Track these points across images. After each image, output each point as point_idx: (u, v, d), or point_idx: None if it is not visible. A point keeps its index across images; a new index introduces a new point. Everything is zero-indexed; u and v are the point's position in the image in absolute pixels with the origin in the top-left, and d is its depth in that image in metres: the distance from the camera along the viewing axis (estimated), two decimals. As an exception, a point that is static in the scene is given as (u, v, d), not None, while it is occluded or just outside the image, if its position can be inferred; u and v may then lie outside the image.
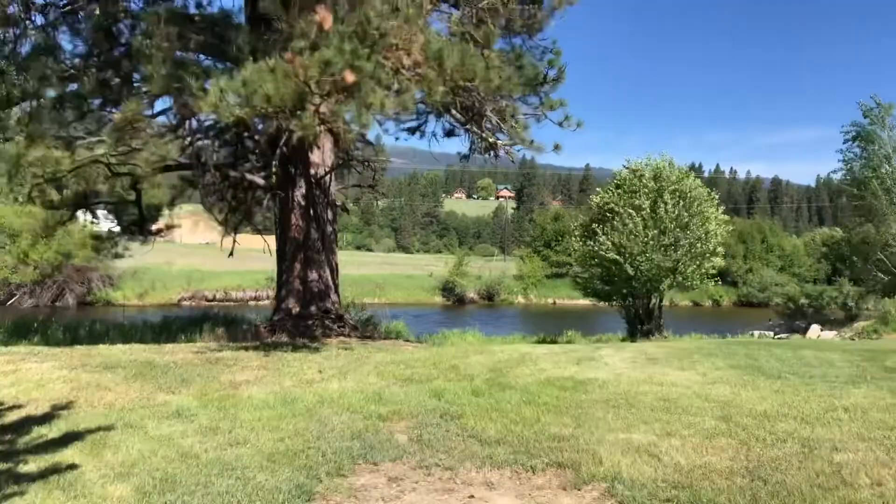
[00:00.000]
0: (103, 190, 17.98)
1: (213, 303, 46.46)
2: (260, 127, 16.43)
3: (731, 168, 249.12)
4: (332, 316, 15.45)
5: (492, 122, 16.66)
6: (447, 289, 60.57)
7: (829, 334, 31.32)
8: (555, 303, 65.23)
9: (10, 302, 40.57)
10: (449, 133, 19.08)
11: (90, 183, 17.09)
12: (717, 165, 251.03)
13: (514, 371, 9.82)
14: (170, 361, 10.21)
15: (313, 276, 15.63)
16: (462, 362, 10.51)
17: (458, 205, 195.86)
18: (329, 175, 16.07)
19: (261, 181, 16.30)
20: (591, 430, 6.69)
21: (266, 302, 49.42)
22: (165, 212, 19.44)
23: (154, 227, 18.41)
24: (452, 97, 15.06)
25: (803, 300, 37.07)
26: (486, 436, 6.52)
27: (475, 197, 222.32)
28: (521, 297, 65.22)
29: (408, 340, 15.60)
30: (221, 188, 17.87)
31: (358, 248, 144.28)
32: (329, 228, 16.12)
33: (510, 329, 40.47)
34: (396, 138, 19.29)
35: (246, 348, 11.98)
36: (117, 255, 45.32)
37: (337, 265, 16.39)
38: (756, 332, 33.37)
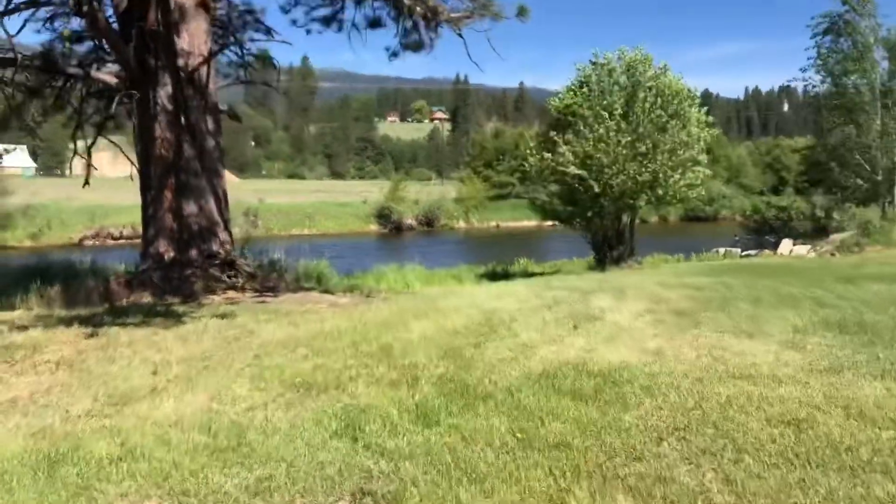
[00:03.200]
0: None
1: (119, 241, 41.37)
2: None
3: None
4: (220, 261, 11.29)
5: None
6: (383, 216, 56.33)
7: (802, 249, 28.64)
8: (498, 226, 61.86)
9: None
10: (373, 23, 14.81)
11: None
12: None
13: (484, 353, 5.98)
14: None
15: (191, 208, 11.37)
16: (399, 337, 6.62)
17: (392, 128, 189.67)
18: (207, 68, 11.63)
19: (112, 79, 11.79)
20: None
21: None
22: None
23: None
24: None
25: (771, 213, 34.18)
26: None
27: (409, 120, 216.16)
28: (462, 222, 61.54)
29: (326, 291, 11.60)
30: (65, 94, 13.25)
31: (290, 176, 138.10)
32: (210, 142, 11.77)
33: (454, 258, 36.83)
34: (308, 31, 14.71)
35: (74, 320, 7.83)
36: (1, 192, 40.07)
37: (225, 192, 12.13)
38: (721, 250, 30.51)
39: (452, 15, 10.97)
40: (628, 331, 6.72)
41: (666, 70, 18.85)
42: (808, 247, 28.85)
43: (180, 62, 11.31)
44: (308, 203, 56.77)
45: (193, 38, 11.46)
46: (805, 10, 44.14)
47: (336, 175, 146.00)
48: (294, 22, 15.23)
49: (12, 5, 10.54)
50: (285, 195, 61.24)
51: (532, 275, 21.95)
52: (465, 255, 40.74)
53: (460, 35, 10.78)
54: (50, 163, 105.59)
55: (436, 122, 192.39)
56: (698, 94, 19.08)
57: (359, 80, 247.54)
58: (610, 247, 19.69)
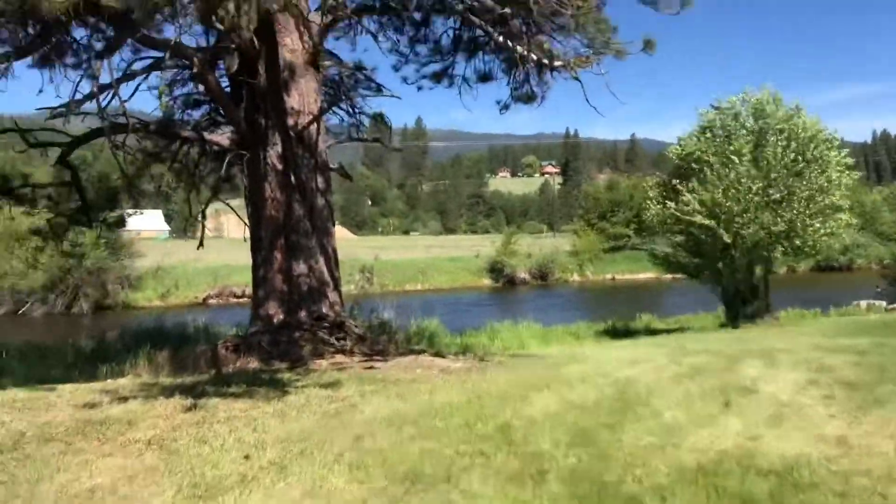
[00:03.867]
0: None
1: (241, 299, 42.52)
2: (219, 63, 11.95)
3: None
4: (329, 324, 10.85)
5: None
6: (496, 269, 55.60)
7: (960, 303, 25.74)
8: (614, 278, 59.83)
9: (21, 311, 37.22)
10: (484, 77, 14.46)
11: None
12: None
13: (621, 437, 5.05)
14: (15, 430, 5.80)
15: (301, 268, 11.05)
16: (519, 413, 5.79)
17: (503, 183, 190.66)
18: (317, 126, 11.43)
19: (225, 141, 11.79)
20: None
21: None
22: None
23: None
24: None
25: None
26: None
27: (520, 175, 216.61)
28: (576, 275, 59.92)
29: (438, 353, 10.91)
30: (183, 158, 13.45)
31: (404, 232, 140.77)
32: (320, 201, 11.49)
33: (569, 313, 35.53)
34: (419, 88, 14.49)
35: (176, 389, 7.46)
36: (133, 255, 42.18)
37: (335, 252, 11.78)
38: (864, 303, 27.83)
39: (569, 59, 10.23)
40: (794, 409, 5.61)
41: (799, 111, 17.38)
42: (967, 302, 25.93)
43: (290, 121, 11.15)
44: (421, 258, 56.94)
45: (303, 97, 11.32)
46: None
47: (448, 230, 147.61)
48: (405, 80, 15.08)
49: (129, 71, 10.70)
50: (399, 251, 61.82)
51: (656, 332, 20.53)
52: (582, 309, 39.30)
53: (577, 79, 10.03)
54: (182, 226, 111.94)
55: (546, 175, 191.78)
56: (837, 136, 17.43)
57: (469, 138, 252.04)
58: (743, 301, 18.10)
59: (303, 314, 10.95)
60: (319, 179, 11.51)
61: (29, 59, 9.26)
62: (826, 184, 16.58)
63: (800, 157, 16.68)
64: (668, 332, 20.03)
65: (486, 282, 55.16)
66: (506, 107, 14.58)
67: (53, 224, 13.89)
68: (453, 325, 26.71)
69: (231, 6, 6.35)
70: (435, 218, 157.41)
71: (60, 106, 10.64)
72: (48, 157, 13.09)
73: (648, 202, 18.88)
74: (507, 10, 7.45)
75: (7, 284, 36.25)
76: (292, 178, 11.14)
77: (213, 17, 6.37)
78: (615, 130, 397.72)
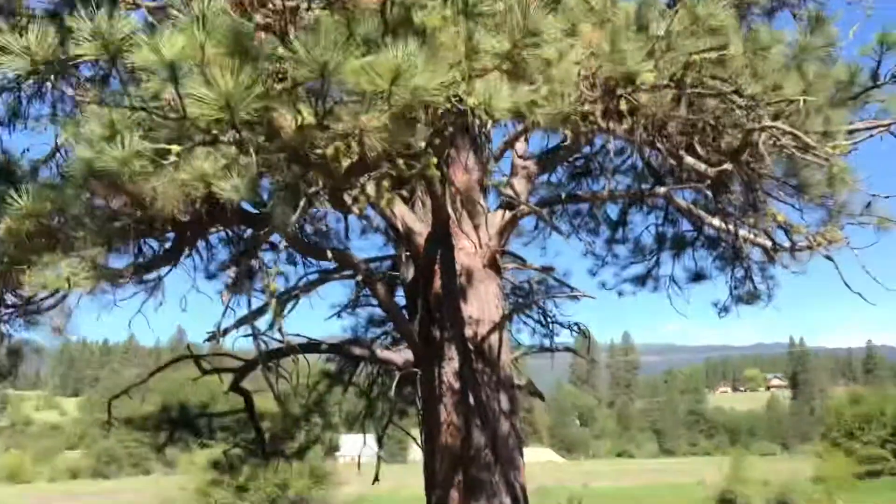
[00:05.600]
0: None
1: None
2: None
3: None
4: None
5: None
6: (726, 500, 48.72)
7: None
8: (875, 511, 50.15)
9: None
10: (696, 277, 12.53)
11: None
12: None
13: None
14: None
15: (482, 511, 8.95)
16: None
17: (723, 399, 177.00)
18: (499, 336, 9.82)
19: (398, 358, 10.48)
20: None
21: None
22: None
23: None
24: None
25: None
26: None
27: (742, 389, 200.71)
28: (826, 506, 50.98)
29: None
30: (363, 380, 12.33)
31: (618, 454, 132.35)
32: (504, 425, 9.55)
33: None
34: (620, 293, 12.85)
35: None
36: (340, 483, 41.47)
37: (524, 489, 9.57)
38: None
39: (812, 234, 7.92)
40: None
41: None
42: None
43: (468, 332, 9.64)
44: (637, 486, 51.54)
45: (482, 304, 9.84)
46: None
47: (666, 452, 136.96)
48: (603, 285, 13.43)
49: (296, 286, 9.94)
50: (612, 478, 56.68)
51: None
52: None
53: (829, 258, 7.67)
54: (394, 450, 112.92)
55: (772, 389, 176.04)
56: None
57: (683, 351, 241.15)
58: None
59: (485, 571, 8.67)
60: (503, 399, 9.65)
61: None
62: None
63: None
64: None
65: (716, 515, 48.34)
66: (725, 309, 12.26)
67: (229, 456, 13.02)
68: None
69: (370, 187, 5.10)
70: (651, 438, 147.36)
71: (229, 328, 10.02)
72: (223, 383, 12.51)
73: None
74: (726, 166, 5.70)
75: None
76: (471, 398, 9.40)
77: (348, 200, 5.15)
78: (847, 338, 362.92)
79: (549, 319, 12.91)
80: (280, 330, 8.62)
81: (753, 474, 51.90)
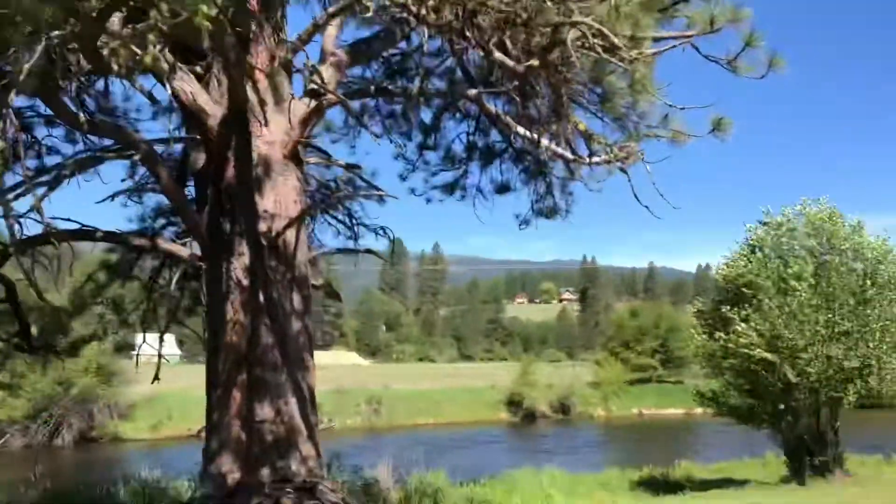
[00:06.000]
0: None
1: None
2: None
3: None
4: (297, 488, 8.25)
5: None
6: (514, 402, 52.24)
7: None
8: (641, 414, 56.15)
9: (1, 442, 34.41)
10: (501, 189, 12.63)
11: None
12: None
13: None
14: None
15: (265, 411, 8.57)
16: None
17: (520, 310, 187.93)
18: (296, 234, 9.30)
19: (182, 251, 9.67)
20: None
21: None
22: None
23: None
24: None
25: None
26: None
27: (538, 301, 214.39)
28: (600, 409, 56.24)
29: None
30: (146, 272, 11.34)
31: (420, 359, 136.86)
32: (295, 325, 9.13)
33: (597, 455, 32.22)
34: (428, 200, 12.63)
35: None
36: (130, 381, 39.55)
37: (312, 390, 9.32)
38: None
39: (612, 147, 8.00)
40: None
41: (861, 228, 15.16)
42: None
43: (262, 226, 9.03)
44: (435, 390, 53.79)
45: (280, 198, 9.20)
46: None
47: (466, 357, 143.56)
48: (413, 190, 13.21)
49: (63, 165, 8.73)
50: (412, 381, 58.70)
51: (705, 484, 17.50)
52: (610, 450, 35.92)
53: (624, 171, 7.81)
54: (195, 350, 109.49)
55: (564, 302, 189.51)
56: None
57: (487, 263, 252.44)
58: (809, 452, 15.21)
59: (265, 472, 8.37)
60: (296, 298, 9.20)
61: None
62: (904, 313, 14.14)
63: (868, 282, 14.32)
64: (718, 484, 17.03)
65: (504, 415, 51.74)
66: (525, 222, 12.58)
67: (-7, 348, 11.63)
68: (466, 469, 23.59)
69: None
70: (452, 345, 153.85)
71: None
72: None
73: (691, 331, 16.40)
74: (534, 62, 5.48)
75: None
76: (261, 296, 8.88)
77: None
78: (633, 258, 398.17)
79: (354, 221, 12.56)
80: (39, 211, 7.51)
81: (540, 379, 55.96)
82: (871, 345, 13.86)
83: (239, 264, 8.99)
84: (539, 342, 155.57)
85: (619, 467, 21.99)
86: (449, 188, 13.18)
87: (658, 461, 22.64)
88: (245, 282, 8.93)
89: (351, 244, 12.32)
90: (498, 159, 12.63)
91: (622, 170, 7.62)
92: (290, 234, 9.28)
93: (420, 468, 13.16)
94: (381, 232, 12.61)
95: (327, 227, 12.86)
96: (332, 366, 74.86)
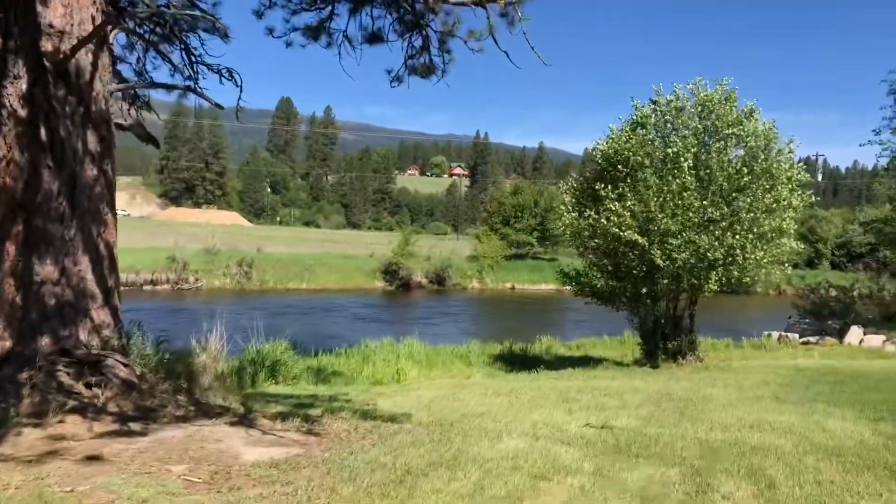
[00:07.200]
0: None
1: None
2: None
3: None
4: (80, 360, 6.98)
5: None
6: (390, 271, 52.00)
7: (875, 340, 24.09)
8: (513, 288, 57.38)
9: None
10: (372, 38, 11.06)
11: None
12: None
13: None
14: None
15: (47, 269, 7.15)
16: None
17: (411, 182, 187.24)
18: (94, 58, 7.54)
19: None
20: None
21: (166, 286, 40.35)
22: None
23: None
24: None
25: (830, 292, 29.36)
26: None
27: (429, 174, 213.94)
28: (475, 282, 57.07)
29: (249, 414, 7.22)
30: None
31: (306, 224, 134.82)
32: (89, 170, 7.58)
33: (463, 325, 32.38)
34: (288, 44, 10.82)
35: None
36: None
37: (111, 248, 7.90)
38: (775, 333, 25.88)
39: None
40: None
41: (752, 113, 14.57)
42: (883, 337, 24.25)
43: (46, 45, 7.24)
44: (310, 254, 52.67)
45: (70, 10, 7.40)
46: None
47: (353, 225, 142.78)
48: (271, 31, 11.34)
49: None
50: (289, 244, 57.23)
51: (562, 361, 17.49)
52: (477, 321, 36.26)
53: (504, 15, 6.50)
54: None
55: (454, 177, 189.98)
56: (794, 146, 14.71)
57: (381, 132, 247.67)
58: (664, 336, 15.22)
59: (45, 342, 7.04)
60: (91, 138, 7.60)
61: None
62: (774, 204, 13.85)
63: (745, 169, 13.91)
64: (574, 362, 17.04)
65: (380, 284, 51.51)
66: (398, 79, 11.22)
67: None
68: (327, 338, 22.89)
69: None
70: (339, 211, 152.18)
71: None
72: None
73: (561, 207, 15.74)
74: None
75: None
76: (42, 131, 7.21)
77: None
78: (525, 138, 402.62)
79: (193, 59, 10.80)
80: None
81: (420, 250, 55.83)
82: (737, 236, 13.58)
83: (14, 90, 7.24)
84: (426, 214, 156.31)
85: (482, 340, 21.86)
86: (312, 31, 11.45)
87: (522, 335, 22.71)
88: (22, 112, 7.22)
89: (190, 84, 10.63)
90: (370, 5, 11.02)
91: (503, 14, 6.35)
92: (86, 59, 7.55)
93: (261, 337, 12.13)
94: (226, 75, 10.98)
95: (162, 64, 11.07)
96: (213, 225, 72.03)
